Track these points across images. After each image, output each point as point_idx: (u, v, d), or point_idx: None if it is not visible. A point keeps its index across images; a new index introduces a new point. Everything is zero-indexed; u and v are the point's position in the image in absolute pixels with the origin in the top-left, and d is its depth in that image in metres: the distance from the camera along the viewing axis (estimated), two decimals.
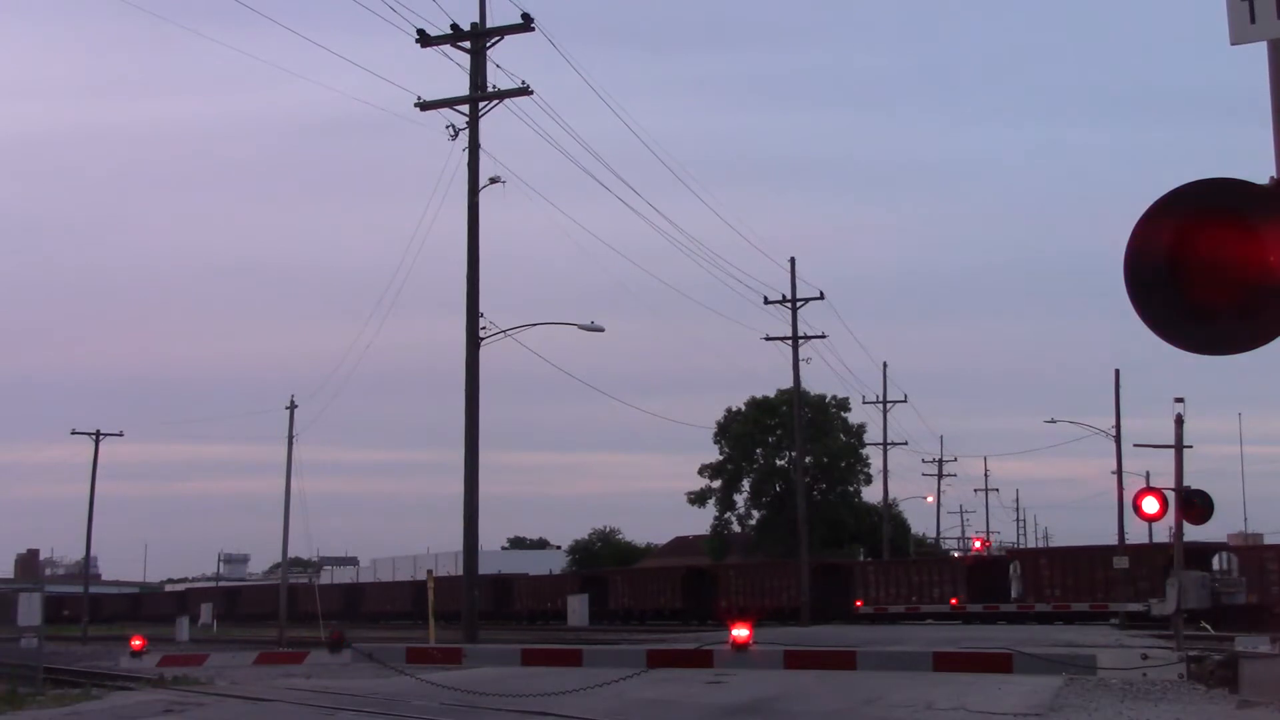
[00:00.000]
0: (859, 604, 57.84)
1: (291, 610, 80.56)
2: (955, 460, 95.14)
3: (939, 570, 60.49)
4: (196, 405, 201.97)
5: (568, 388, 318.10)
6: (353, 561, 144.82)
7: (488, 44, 31.75)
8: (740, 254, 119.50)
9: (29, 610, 23.61)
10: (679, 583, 68.06)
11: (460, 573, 35.33)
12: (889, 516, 76.88)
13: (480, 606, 69.94)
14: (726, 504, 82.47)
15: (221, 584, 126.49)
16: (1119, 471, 61.67)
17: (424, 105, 31.95)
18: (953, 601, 55.72)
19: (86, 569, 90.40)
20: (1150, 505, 24.54)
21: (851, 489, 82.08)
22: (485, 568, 43.31)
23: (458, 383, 32.13)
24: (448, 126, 31.94)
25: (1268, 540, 58.90)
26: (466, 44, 31.82)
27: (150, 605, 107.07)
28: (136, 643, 17.52)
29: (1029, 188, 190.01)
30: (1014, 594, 53.97)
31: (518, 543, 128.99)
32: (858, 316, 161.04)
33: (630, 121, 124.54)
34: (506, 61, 42.05)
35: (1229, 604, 26.96)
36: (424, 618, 72.76)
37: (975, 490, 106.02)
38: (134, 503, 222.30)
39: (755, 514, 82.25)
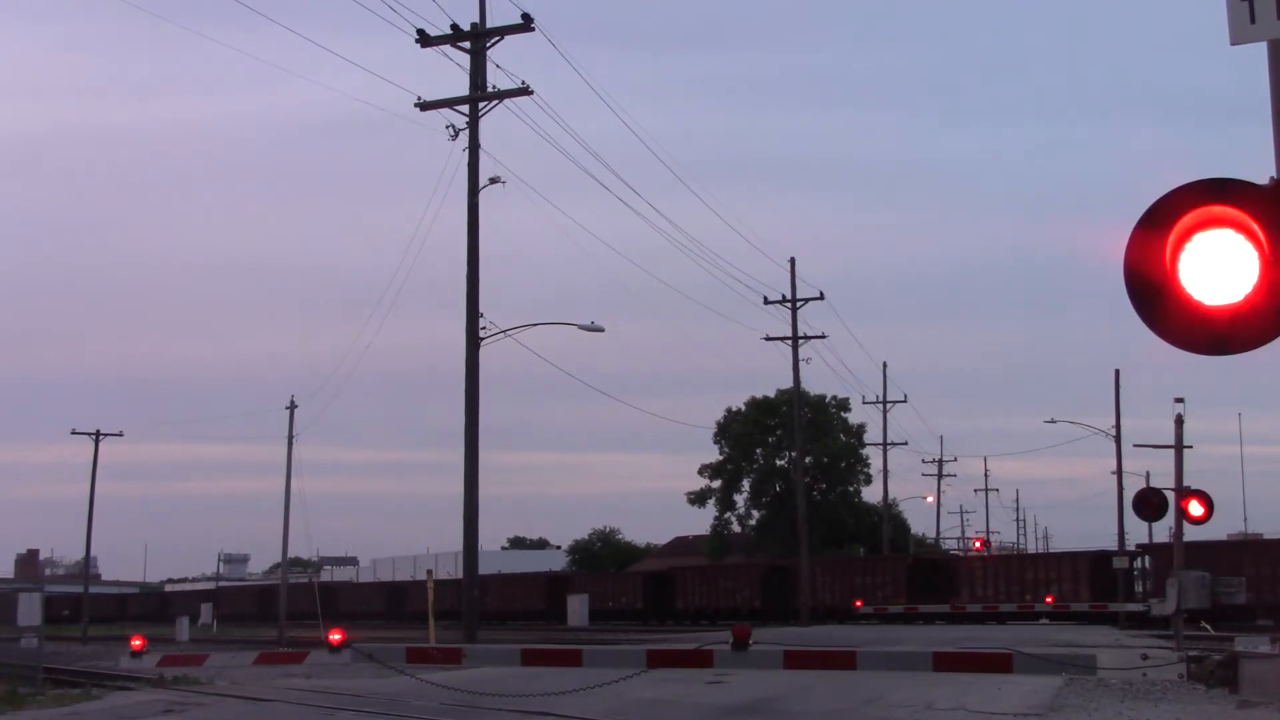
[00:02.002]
0: (858, 604, 57.25)
1: (329, 609, 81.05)
2: (955, 460, 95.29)
3: (1057, 566, 55.57)
4: (196, 405, 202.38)
5: (568, 388, 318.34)
6: (353, 561, 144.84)
7: (488, 44, 31.75)
8: (740, 254, 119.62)
9: (29, 610, 23.62)
10: (758, 580, 64.26)
11: (464, 572, 35.22)
12: (889, 516, 76.86)
13: (539, 606, 68.68)
14: (726, 504, 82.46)
15: (261, 583, 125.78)
16: (1119, 471, 61.82)
17: (424, 105, 31.96)
18: (952, 601, 54.95)
19: (86, 569, 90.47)
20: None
21: (851, 489, 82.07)
22: (485, 568, 43.23)
23: (458, 383, 32.18)
24: (448, 127, 31.98)
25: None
26: (466, 44, 31.82)
27: (179, 605, 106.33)
28: (136, 643, 17.54)
29: (1029, 187, 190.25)
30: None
31: (518, 543, 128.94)
32: (858, 316, 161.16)
33: (630, 121, 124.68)
34: (506, 61, 42.05)
35: (1228, 604, 26.92)
36: (474, 617, 71.89)
37: (975, 490, 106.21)
38: (134, 503, 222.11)
39: (755, 514, 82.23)
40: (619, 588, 71.34)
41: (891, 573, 59.56)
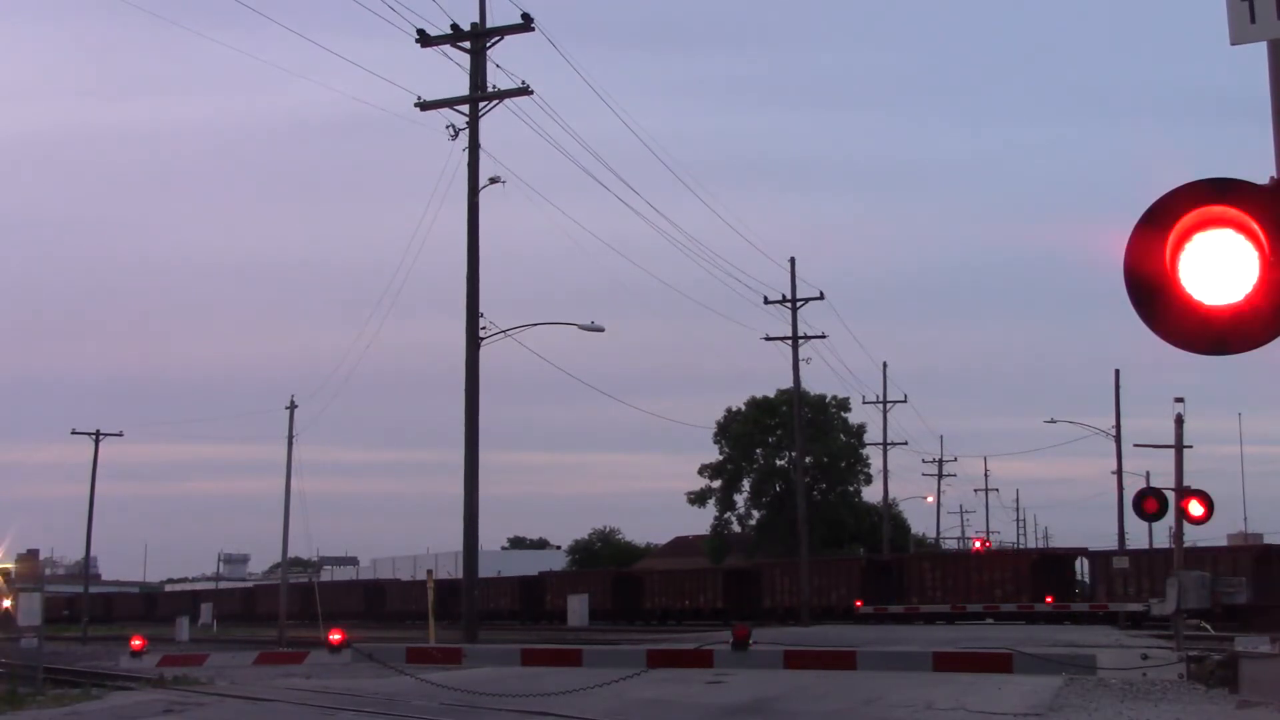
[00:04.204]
0: (859, 604, 57.04)
1: (377, 608, 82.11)
2: (955, 460, 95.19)
3: (1213, 563, 43.48)
4: (196, 405, 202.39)
5: (568, 388, 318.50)
6: (353, 561, 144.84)
7: (488, 44, 31.75)
8: (740, 254, 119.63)
9: (29, 610, 23.60)
10: (858, 577, 59.29)
11: (464, 572, 35.18)
12: (889, 516, 76.84)
13: (607, 605, 68.04)
14: (726, 504, 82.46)
15: (311, 580, 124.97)
16: (1119, 471, 61.91)
17: (424, 105, 31.95)
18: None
19: (86, 569, 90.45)
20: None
21: (851, 489, 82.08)
22: (485, 568, 43.19)
23: (458, 383, 32.18)
24: (448, 126, 31.97)
25: (1266, 541, 56.54)
26: (466, 44, 31.81)
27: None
28: (136, 643, 17.56)
29: (1029, 187, 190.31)
30: None
31: (518, 543, 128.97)
32: (858, 316, 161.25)
33: (630, 121, 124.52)
34: (506, 61, 42.10)
35: (1228, 604, 26.91)
36: (531, 617, 71.60)
37: (975, 490, 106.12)
38: (134, 503, 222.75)
39: (755, 514, 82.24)
40: (698, 585, 67.42)
41: (1013, 569, 55.33)
